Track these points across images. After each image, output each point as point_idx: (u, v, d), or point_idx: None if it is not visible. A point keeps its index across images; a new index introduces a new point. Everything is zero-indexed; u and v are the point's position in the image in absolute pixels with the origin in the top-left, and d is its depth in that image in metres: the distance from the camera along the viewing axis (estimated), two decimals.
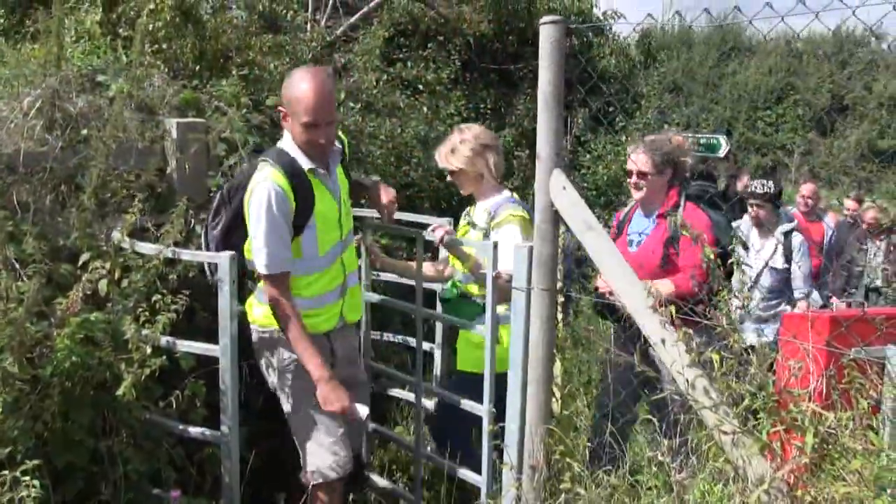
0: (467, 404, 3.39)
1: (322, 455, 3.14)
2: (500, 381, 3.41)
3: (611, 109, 9.57)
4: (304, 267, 3.08)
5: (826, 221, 7.65)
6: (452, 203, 6.57)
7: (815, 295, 5.74)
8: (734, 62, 21.02)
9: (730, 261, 3.56)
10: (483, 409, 3.28)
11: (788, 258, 5.43)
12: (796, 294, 5.42)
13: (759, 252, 5.54)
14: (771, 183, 5.56)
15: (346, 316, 3.29)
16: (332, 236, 3.13)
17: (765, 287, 5.43)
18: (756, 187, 5.54)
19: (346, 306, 3.27)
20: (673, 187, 3.95)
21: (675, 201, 3.91)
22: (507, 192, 3.77)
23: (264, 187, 2.93)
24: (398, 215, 3.62)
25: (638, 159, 3.93)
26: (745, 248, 5.43)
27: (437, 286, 3.92)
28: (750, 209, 5.59)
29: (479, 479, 3.36)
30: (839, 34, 20.55)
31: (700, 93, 19.46)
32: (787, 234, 5.49)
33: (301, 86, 2.95)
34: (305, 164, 3.03)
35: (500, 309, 3.26)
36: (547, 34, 2.86)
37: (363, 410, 3.08)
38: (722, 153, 9.38)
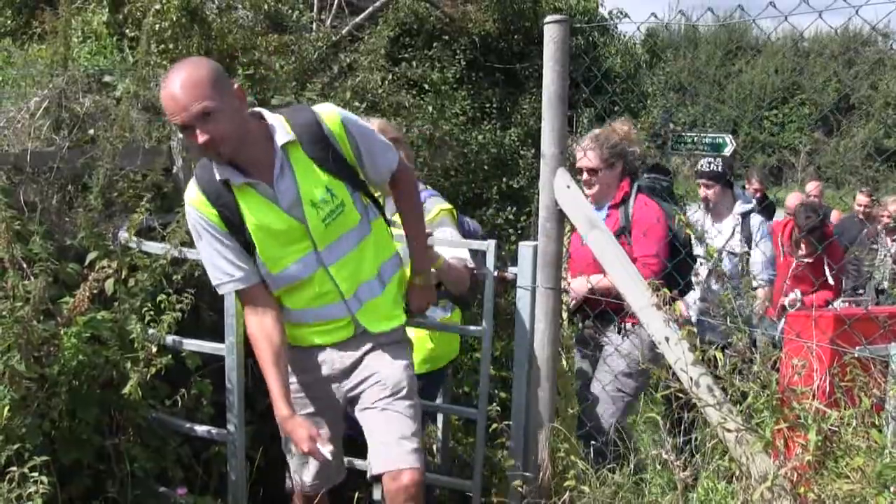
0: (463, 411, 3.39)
1: (294, 468, 2.91)
2: (435, 378, 3.48)
3: (616, 109, 9.55)
4: (272, 282, 2.63)
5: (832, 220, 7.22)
6: (459, 202, 6.59)
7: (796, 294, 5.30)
8: (740, 61, 21.01)
9: (694, 250, 3.64)
10: (478, 412, 3.26)
11: (748, 241, 4.96)
12: (755, 282, 4.89)
13: (714, 238, 5.01)
14: (719, 160, 5.14)
15: (366, 326, 2.70)
16: (290, 249, 2.57)
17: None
18: (703, 165, 5.08)
19: (362, 318, 2.69)
20: (624, 178, 3.83)
21: (626, 192, 3.78)
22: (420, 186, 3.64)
23: (186, 208, 2.63)
24: None
25: (587, 156, 3.81)
26: (700, 239, 5.22)
27: None
28: (700, 190, 5.11)
29: (468, 485, 3.32)
30: (846, 33, 20.52)
31: (706, 92, 19.46)
32: (746, 216, 5.02)
33: (161, 90, 2.40)
34: (219, 174, 2.48)
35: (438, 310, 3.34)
36: (551, 33, 2.87)
37: (326, 450, 2.53)
38: (727, 153, 9.37)
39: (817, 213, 5.50)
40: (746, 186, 7.45)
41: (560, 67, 2.88)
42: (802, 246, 5.47)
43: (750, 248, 4.93)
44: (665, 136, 9.89)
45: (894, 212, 6.72)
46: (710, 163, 5.04)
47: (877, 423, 2.41)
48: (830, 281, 5.51)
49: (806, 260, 5.50)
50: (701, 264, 4.46)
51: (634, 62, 11.47)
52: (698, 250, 4.56)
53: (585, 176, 3.88)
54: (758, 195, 7.22)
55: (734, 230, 4.92)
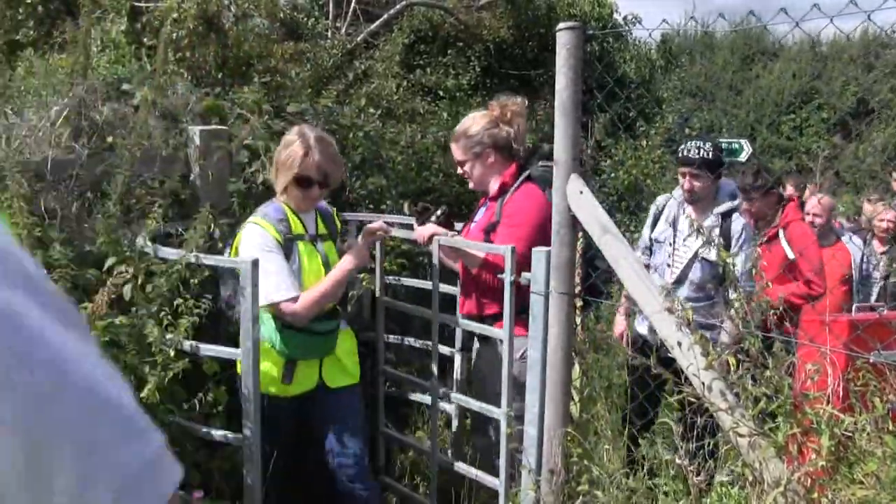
0: (485, 408, 3.42)
1: None
2: (359, 389, 3.62)
3: (631, 115, 9.55)
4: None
5: (851, 241, 6.05)
6: (472, 208, 6.60)
7: None
8: (758, 66, 20.91)
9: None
10: (500, 413, 3.30)
11: (727, 247, 4.16)
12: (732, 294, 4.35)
13: (686, 239, 4.29)
14: (709, 145, 4.31)
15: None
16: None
17: (694, 283, 4.23)
18: (689, 151, 4.27)
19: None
20: (509, 167, 3.67)
21: (507, 183, 3.65)
22: None
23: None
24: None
25: (452, 149, 3.76)
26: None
27: (452, 290, 3.93)
28: (682, 180, 4.32)
29: (496, 483, 3.38)
30: (865, 36, 20.39)
31: (723, 97, 19.37)
32: (727, 216, 4.30)
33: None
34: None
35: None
36: (564, 40, 2.89)
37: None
38: (744, 158, 9.33)
39: (760, 174, 5.09)
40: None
41: (573, 74, 2.90)
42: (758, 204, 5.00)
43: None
44: (681, 142, 9.86)
45: (893, 217, 6.24)
46: (699, 148, 4.25)
47: (891, 428, 2.40)
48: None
49: (762, 241, 4.79)
50: (669, 266, 4.31)
51: (649, 68, 11.46)
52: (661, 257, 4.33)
53: (459, 170, 3.82)
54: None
55: (710, 232, 4.00)
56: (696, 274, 4.20)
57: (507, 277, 3.25)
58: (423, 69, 7.53)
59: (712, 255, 4.02)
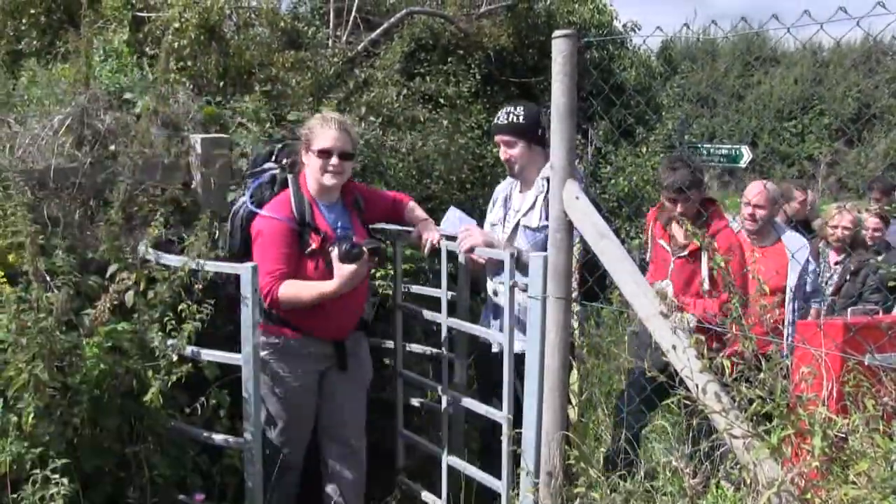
0: (488, 410, 3.45)
1: None
2: None
3: (630, 121, 9.59)
4: None
5: (791, 239, 4.82)
6: (474, 216, 6.63)
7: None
8: (759, 72, 20.96)
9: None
10: (501, 416, 3.33)
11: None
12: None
13: (517, 211, 3.86)
14: (521, 108, 3.84)
15: None
16: None
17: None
18: (499, 118, 3.84)
19: None
20: None
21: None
22: None
23: None
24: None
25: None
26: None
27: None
28: (500, 152, 3.87)
29: (498, 484, 3.41)
30: (866, 42, 20.43)
31: (726, 103, 19.42)
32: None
33: None
34: None
35: None
36: (560, 47, 2.93)
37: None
38: (744, 164, 9.37)
39: (689, 165, 4.21)
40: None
41: (569, 80, 2.93)
42: (678, 206, 4.14)
43: None
44: (681, 148, 9.90)
45: (848, 223, 5.66)
46: (509, 113, 3.80)
47: (886, 430, 2.42)
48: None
49: (683, 253, 4.15)
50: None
51: (648, 74, 11.50)
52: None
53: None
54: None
55: (536, 200, 3.75)
56: (519, 243, 3.75)
57: (507, 282, 3.29)
58: (423, 77, 7.56)
59: (533, 221, 3.71)
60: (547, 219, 3.43)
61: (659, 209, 4.38)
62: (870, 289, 5.30)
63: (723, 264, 2.86)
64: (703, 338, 2.66)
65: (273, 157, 3.69)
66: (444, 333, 3.71)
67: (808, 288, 4.92)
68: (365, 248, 3.37)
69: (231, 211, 3.62)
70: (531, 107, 3.89)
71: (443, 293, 3.65)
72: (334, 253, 3.36)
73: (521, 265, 3.38)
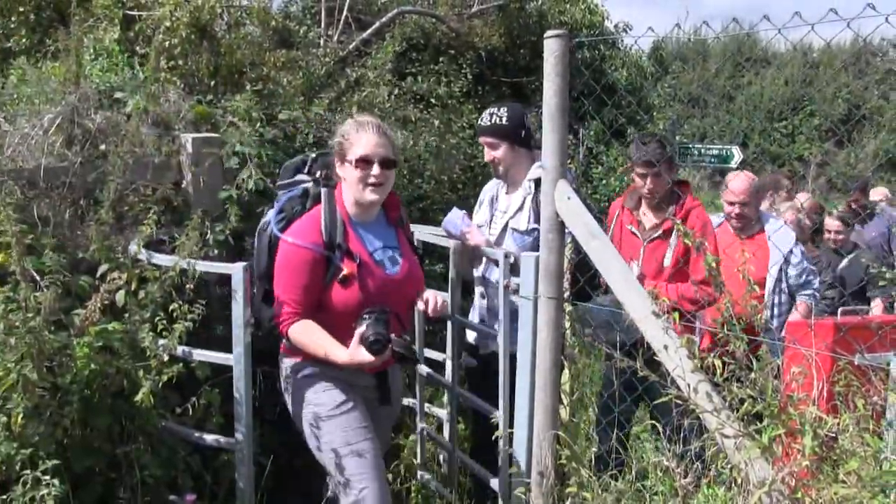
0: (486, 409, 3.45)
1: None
2: None
3: (622, 122, 9.61)
4: None
5: (775, 228, 4.68)
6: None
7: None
8: (749, 73, 21.03)
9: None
10: (498, 415, 3.33)
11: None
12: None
13: (504, 213, 3.83)
14: (504, 109, 3.76)
15: None
16: None
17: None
18: (483, 118, 3.77)
19: None
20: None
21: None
22: None
23: None
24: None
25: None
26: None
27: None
28: (485, 153, 3.82)
29: (495, 483, 3.41)
30: (855, 44, 20.54)
31: (716, 104, 19.49)
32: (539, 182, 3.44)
33: None
34: None
35: None
36: (551, 47, 2.93)
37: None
38: (734, 164, 9.40)
39: (660, 141, 4.09)
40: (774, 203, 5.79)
41: (560, 81, 2.93)
42: (648, 182, 3.99)
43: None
44: (672, 148, 9.93)
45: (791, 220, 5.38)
46: (491, 114, 3.75)
47: (876, 429, 2.44)
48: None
49: (656, 234, 4.00)
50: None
51: (640, 74, 11.53)
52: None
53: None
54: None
55: (524, 201, 3.72)
56: (507, 245, 3.71)
57: (501, 281, 3.29)
58: (414, 77, 7.56)
59: (522, 223, 3.69)
60: (536, 221, 3.57)
61: (627, 195, 4.28)
62: (825, 285, 5.20)
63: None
64: (695, 339, 2.67)
65: (307, 169, 3.25)
66: (452, 334, 3.69)
67: (793, 280, 4.62)
68: (392, 347, 2.80)
69: (259, 226, 3.19)
70: (515, 108, 3.82)
71: (448, 295, 3.61)
72: (359, 330, 2.80)
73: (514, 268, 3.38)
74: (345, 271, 2.88)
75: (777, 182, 6.14)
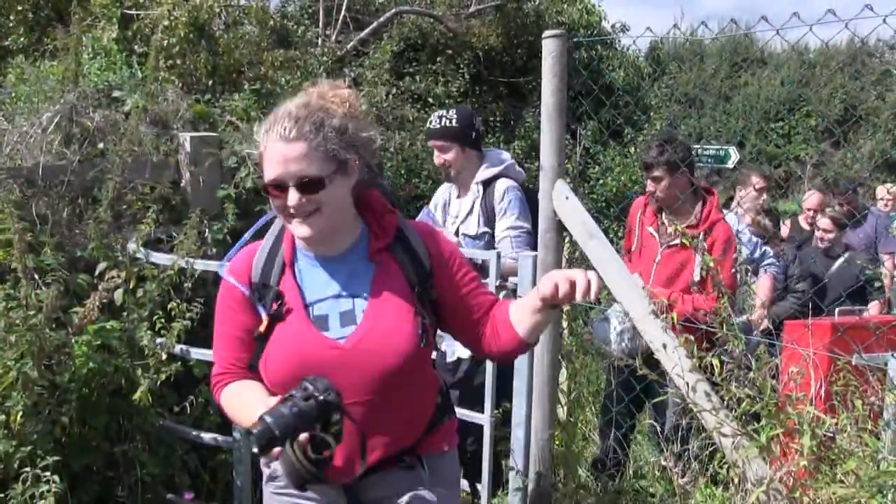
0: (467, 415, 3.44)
1: None
2: None
3: (619, 122, 9.63)
4: None
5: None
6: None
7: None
8: (746, 73, 21.04)
9: None
10: (484, 418, 3.31)
11: (489, 219, 3.57)
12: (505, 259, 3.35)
13: (455, 217, 3.75)
14: (453, 112, 3.65)
15: None
16: None
17: None
18: (432, 121, 3.66)
19: None
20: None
21: None
22: None
23: None
24: None
25: None
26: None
27: None
28: (435, 158, 3.70)
29: (479, 487, 3.39)
30: (852, 45, 20.57)
31: (713, 104, 19.50)
32: (489, 183, 3.61)
33: None
34: None
35: None
36: (549, 48, 2.94)
37: None
38: (731, 164, 9.41)
39: (667, 147, 3.82)
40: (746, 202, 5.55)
41: (558, 81, 2.94)
42: (662, 185, 3.78)
43: (493, 228, 3.58)
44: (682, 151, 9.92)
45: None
46: (441, 117, 3.65)
47: (873, 429, 2.45)
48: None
49: (674, 241, 3.74)
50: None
51: (638, 75, 11.54)
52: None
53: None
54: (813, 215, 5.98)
55: (473, 205, 3.63)
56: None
57: (492, 282, 3.29)
58: (412, 76, 7.58)
59: (472, 228, 3.59)
60: (486, 225, 3.55)
61: (650, 194, 4.01)
62: (794, 278, 5.18)
63: (712, 265, 2.86)
64: (692, 337, 2.68)
65: None
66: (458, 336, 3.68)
67: (748, 257, 4.50)
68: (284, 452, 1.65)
69: None
70: (464, 110, 3.75)
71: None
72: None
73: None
74: (260, 327, 1.95)
75: (745, 177, 6.00)
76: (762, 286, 4.64)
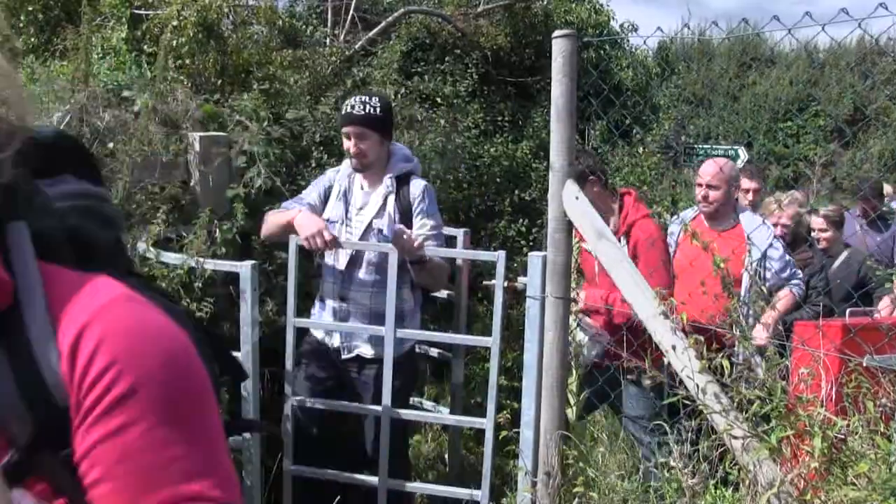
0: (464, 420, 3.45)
1: None
2: None
3: (627, 122, 9.60)
4: None
5: (751, 221, 4.30)
6: (471, 215, 6.64)
7: None
8: (755, 73, 20.97)
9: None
10: (486, 423, 3.32)
11: (406, 215, 3.53)
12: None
13: (360, 211, 3.60)
14: (377, 100, 3.56)
15: None
16: None
17: (372, 263, 3.51)
18: (354, 106, 3.52)
19: None
20: None
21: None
22: None
23: None
24: None
25: None
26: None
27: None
28: (347, 143, 3.56)
29: (477, 494, 3.38)
30: (862, 44, 20.48)
31: (720, 104, 19.46)
32: (403, 181, 3.58)
33: None
34: None
35: None
36: (559, 47, 2.93)
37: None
38: (740, 164, 9.38)
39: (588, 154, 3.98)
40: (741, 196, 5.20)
41: (568, 80, 2.93)
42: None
43: (411, 223, 3.52)
44: (677, 149, 9.91)
45: (787, 219, 5.13)
46: (364, 103, 3.49)
47: (885, 431, 2.43)
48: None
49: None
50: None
51: (646, 75, 11.51)
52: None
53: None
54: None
55: (386, 201, 3.54)
56: (371, 252, 3.48)
57: (499, 283, 3.29)
58: (420, 76, 7.57)
59: (385, 224, 3.49)
60: (399, 222, 3.46)
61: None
62: (815, 291, 4.78)
63: (722, 265, 2.85)
64: (702, 338, 2.67)
65: None
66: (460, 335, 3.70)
67: (776, 274, 4.30)
68: None
69: None
70: (385, 99, 3.67)
71: (457, 297, 3.60)
72: None
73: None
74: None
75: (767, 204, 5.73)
76: (782, 298, 4.42)
